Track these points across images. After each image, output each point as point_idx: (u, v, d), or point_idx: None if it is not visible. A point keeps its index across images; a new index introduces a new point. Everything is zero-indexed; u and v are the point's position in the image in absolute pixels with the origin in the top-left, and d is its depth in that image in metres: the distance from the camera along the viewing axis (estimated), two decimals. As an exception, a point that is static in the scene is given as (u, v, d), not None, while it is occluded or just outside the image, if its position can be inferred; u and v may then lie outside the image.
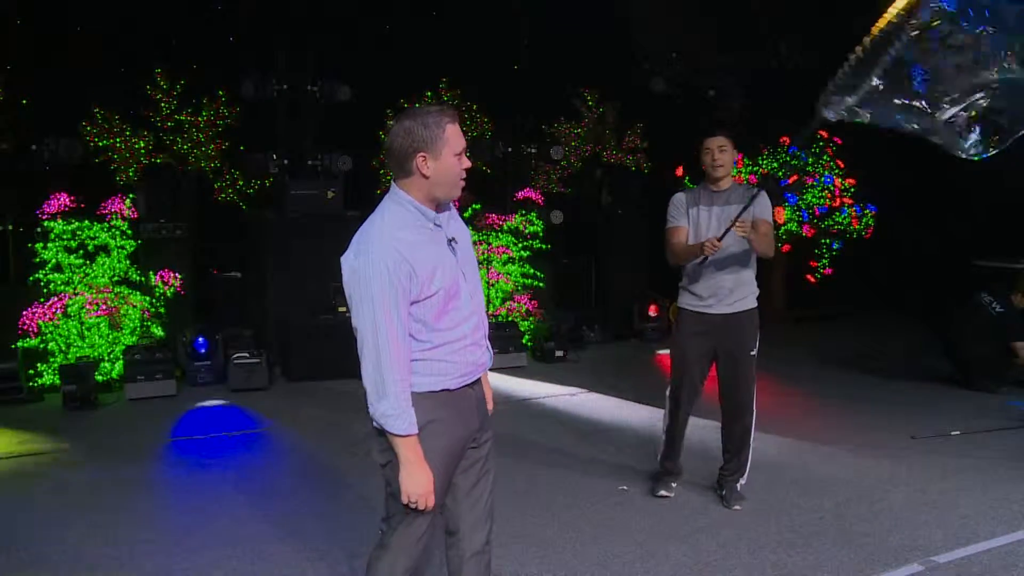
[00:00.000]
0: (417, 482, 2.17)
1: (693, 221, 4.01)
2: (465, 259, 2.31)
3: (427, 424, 2.21)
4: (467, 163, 2.20)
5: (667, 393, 4.21)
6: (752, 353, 4.04)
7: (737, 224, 3.67)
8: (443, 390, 2.25)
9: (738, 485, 4.18)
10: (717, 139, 3.94)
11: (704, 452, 4.71)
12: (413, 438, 2.17)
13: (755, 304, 4.06)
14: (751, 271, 4.03)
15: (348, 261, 2.16)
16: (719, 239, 3.70)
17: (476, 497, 2.42)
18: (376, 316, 2.09)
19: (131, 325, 7.17)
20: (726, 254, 3.92)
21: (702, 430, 4.91)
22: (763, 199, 4.01)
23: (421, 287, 2.13)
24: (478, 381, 2.39)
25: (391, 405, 2.13)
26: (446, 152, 2.13)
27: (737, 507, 4.09)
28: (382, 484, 2.35)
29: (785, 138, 9.77)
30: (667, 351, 8.59)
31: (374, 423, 2.22)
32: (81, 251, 7.09)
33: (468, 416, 2.33)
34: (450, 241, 2.26)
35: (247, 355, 7.03)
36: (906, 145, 3.30)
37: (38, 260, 6.99)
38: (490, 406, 2.50)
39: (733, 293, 3.98)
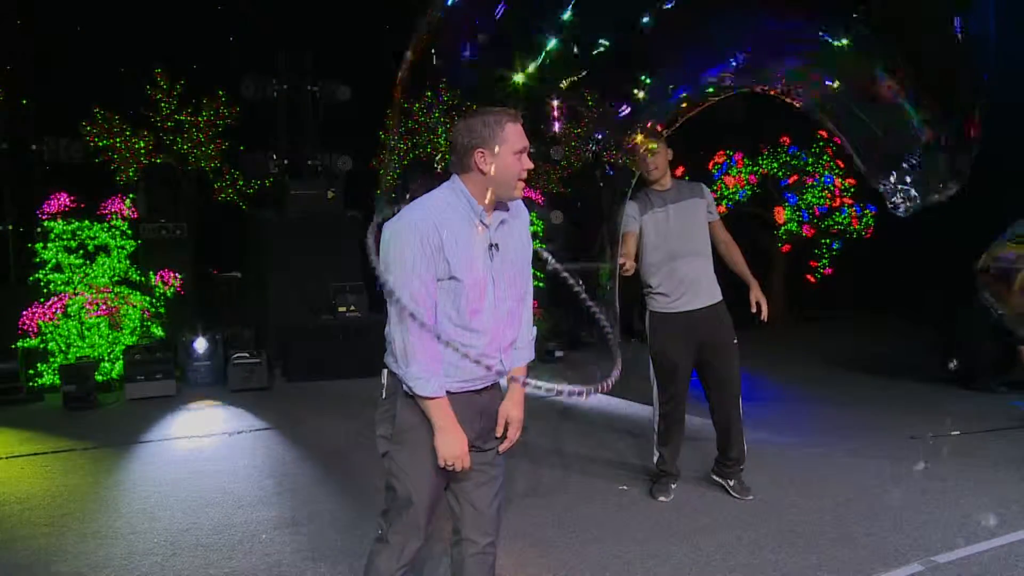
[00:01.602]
0: (451, 445, 2.19)
1: (654, 226, 4.03)
2: (502, 270, 2.27)
3: (422, 420, 2.23)
4: (528, 163, 2.20)
5: (657, 401, 4.21)
6: (735, 341, 4.09)
7: (622, 267, 3.70)
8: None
9: (743, 475, 4.23)
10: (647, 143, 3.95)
11: (701, 450, 4.71)
12: (442, 401, 2.18)
13: (721, 296, 4.11)
14: (711, 261, 4.09)
15: (388, 225, 2.20)
16: (623, 267, 3.76)
17: (478, 500, 2.39)
18: (406, 277, 2.12)
19: (131, 325, 7.18)
20: (683, 248, 3.99)
21: (697, 429, 4.91)
22: (709, 198, 4.12)
23: (447, 266, 2.15)
24: (487, 389, 2.35)
25: (420, 368, 2.15)
26: (504, 149, 2.16)
27: (749, 497, 4.13)
28: (382, 484, 2.35)
29: (785, 138, 9.78)
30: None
31: (381, 409, 2.26)
32: (81, 251, 7.09)
33: (464, 423, 2.28)
34: (491, 246, 2.24)
35: (247, 355, 7.04)
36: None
37: (38, 260, 7.00)
38: (511, 421, 2.40)
39: (701, 285, 4.03)
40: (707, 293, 4.05)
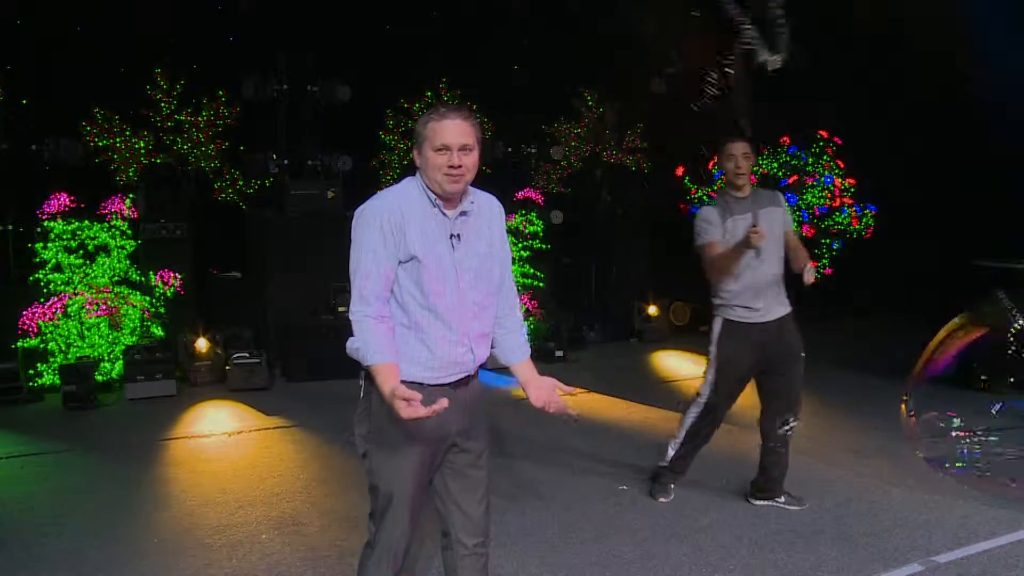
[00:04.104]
0: (383, 386, 2.14)
1: (735, 232, 3.83)
2: (467, 261, 2.29)
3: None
4: (454, 160, 2.22)
5: (702, 402, 4.03)
6: (803, 354, 3.98)
7: (752, 232, 3.55)
8: (415, 382, 2.23)
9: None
10: (740, 145, 3.82)
11: (701, 451, 4.70)
12: (389, 367, 2.15)
13: (791, 307, 4.00)
14: (783, 272, 3.98)
15: (357, 211, 2.31)
16: (755, 226, 3.58)
17: (464, 502, 2.39)
18: (361, 253, 2.23)
19: (131, 325, 7.17)
20: (764, 256, 3.83)
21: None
22: (786, 206, 4.04)
23: (408, 247, 2.23)
24: (462, 383, 2.34)
25: (361, 337, 2.20)
26: (426, 146, 2.27)
27: (805, 505, 4.08)
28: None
29: (785, 138, 9.78)
30: (668, 351, 8.64)
31: (360, 408, 2.31)
32: (81, 251, 7.09)
33: (442, 419, 2.19)
34: (452, 236, 2.29)
35: (247, 355, 7.03)
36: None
37: (38, 260, 6.99)
38: (539, 397, 2.47)
39: (777, 296, 3.92)
40: (782, 304, 3.95)
